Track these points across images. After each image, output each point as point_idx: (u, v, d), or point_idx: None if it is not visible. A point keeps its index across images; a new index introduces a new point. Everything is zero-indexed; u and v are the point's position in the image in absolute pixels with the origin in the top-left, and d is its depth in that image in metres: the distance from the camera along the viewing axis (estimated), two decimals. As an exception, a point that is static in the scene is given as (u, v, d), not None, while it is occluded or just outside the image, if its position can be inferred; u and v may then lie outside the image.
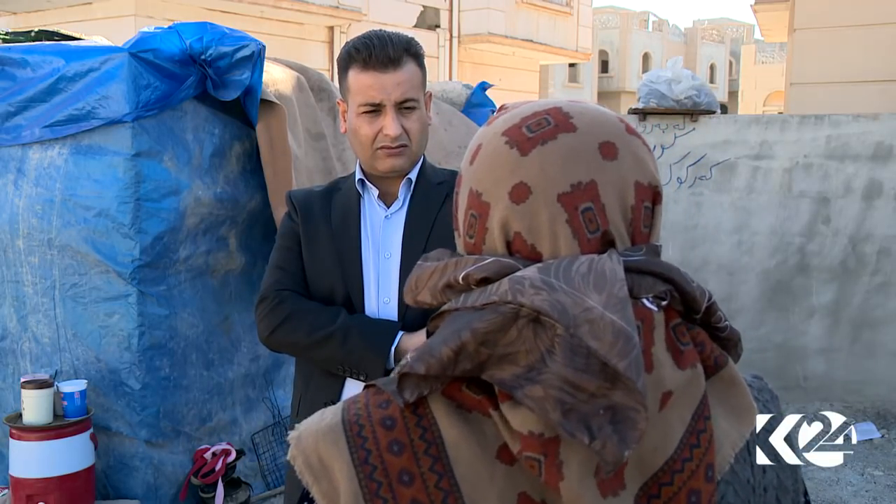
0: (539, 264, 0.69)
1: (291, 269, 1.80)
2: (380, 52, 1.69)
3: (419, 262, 0.78)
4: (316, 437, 0.72)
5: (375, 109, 1.71)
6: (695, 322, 0.73)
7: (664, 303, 0.70)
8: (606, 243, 0.71)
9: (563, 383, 0.63)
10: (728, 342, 0.75)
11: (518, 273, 0.68)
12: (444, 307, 0.72)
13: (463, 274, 0.71)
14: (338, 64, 1.79)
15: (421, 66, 1.77)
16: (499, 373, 0.66)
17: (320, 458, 0.71)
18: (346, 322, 1.71)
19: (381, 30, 1.77)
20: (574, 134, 0.72)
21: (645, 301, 0.69)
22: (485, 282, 0.70)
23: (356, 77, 1.71)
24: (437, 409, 0.70)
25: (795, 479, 0.78)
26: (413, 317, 1.73)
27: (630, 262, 0.69)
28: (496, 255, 0.72)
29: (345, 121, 1.80)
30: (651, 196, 0.74)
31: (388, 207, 1.80)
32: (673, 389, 0.68)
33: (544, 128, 0.73)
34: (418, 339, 1.70)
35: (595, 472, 0.64)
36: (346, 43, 1.77)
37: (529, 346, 0.66)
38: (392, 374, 0.72)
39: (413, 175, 1.79)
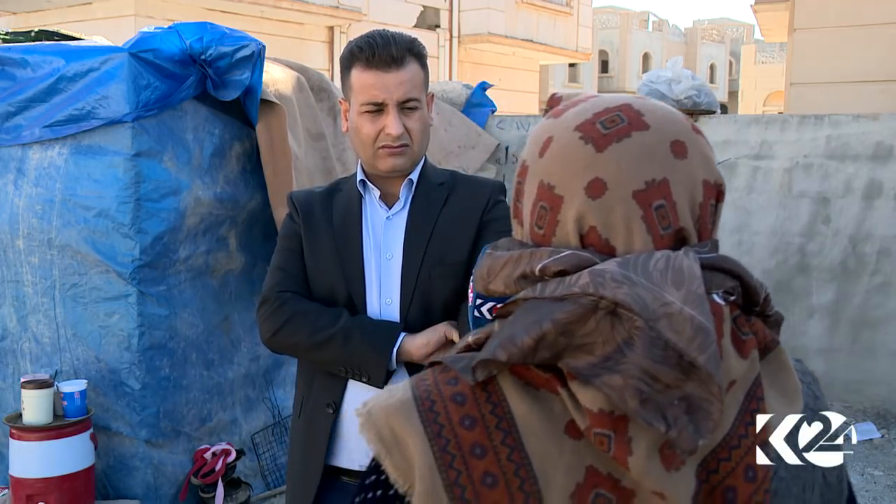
0: (617, 259, 0.71)
1: (293, 270, 1.80)
2: (383, 51, 1.68)
3: (488, 251, 0.80)
4: (387, 411, 0.74)
5: (378, 109, 1.71)
6: (752, 312, 0.76)
7: (732, 298, 0.73)
8: (678, 240, 0.74)
9: (642, 373, 0.66)
10: (776, 326, 0.80)
11: (598, 266, 0.70)
12: (520, 295, 0.74)
13: (540, 266, 0.73)
14: (340, 63, 1.78)
15: (423, 66, 1.77)
16: (573, 361, 0.69)
17: (392, 432, 0.73)
18: (347, 323, 1.71)
19: (384, 29, 1.77)
20: (647, 132, 0.74)
21: (715, 296, 0.72)
22: (561, 274, 0.72)
23: (359, 76, 1.71)
24: (507, 386, 0.73)
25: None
26: (414, 317, 1.73)
27: (703, 259, 0.72)
28: (570, 248, 0.74)
29: (346, 120, 1.80)
30: (715, 194, 0.77)
31: (390, 208, 1.79)
32: (737, 378, 0.71)
33: (618, 125, 0.74)
34: (420, 339, 1.69)
35: (660, 449, 0.67)
36: (349, 42, 1.77)
37: (606, 338, 0.68)
38: (456, 351, 0.76)
39: (414, 176, 1.78)
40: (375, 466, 0.75)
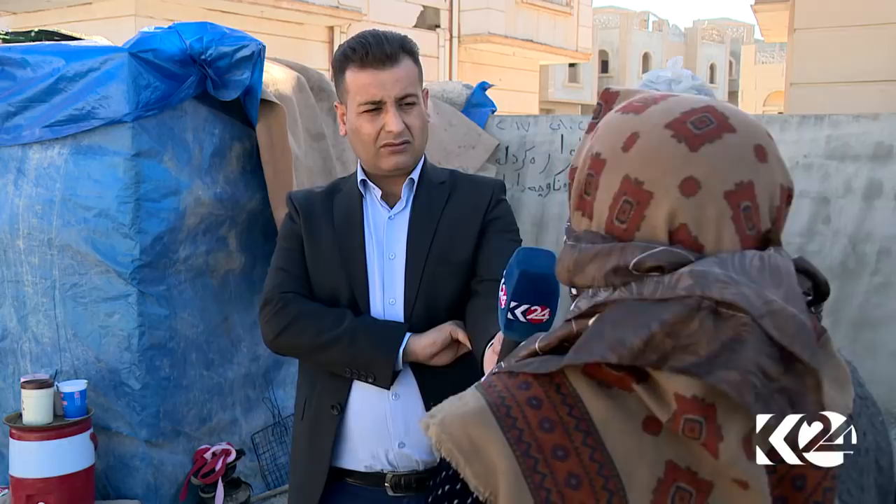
0: (714, 258, 0.73)
1: (295, 270, 1.78)
2: (376, 49, 1.68)
3: (570, 244, 0.81)
4: (463, 420, 0.74)
5: (376, 107, 1.70)
6: (813, 308, 0.79)
7: (809, 298, 0.77)
8: (762, 241, 0.77)
9: (756, 368, 0.68)
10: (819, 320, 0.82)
11: (698, 267, 0.72)
12: (615, 296, 0.75)
13: (635, 260, 0.74)
14: (333, 66, 1.77)
15: (417, 62, 1.76)
16: (678, 363, 0.70)
17: (471, 440, 0.72)
18: (353, 324, 1.70)
19: (373, 29, 1.77)
20: (735, 135, 0.76)
21: None
22: (655, 269, 0.73)
23: (354, 77, 1.70)
24: (580, 386, 0.74)
25: (888, 442, 0.86)
26: (419, 317, 1.72)
27: (793, 261, 0.75)
28: (659, 244, 0.75)
29: (343, 123, 1.79)
30: (788, 199, 0.80)
31: (391, 208, 1.79)
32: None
33: (708, 126, 0.76)
34: (426, 339, 1.69)
35: (743, 438, 0.69)
36: (340, 45, 1.76)
37: (710, 337, 0.69)
38: (517, 359, 0.77)
39: (415, 175, 1.78)
40: (447, 476, 0.75)
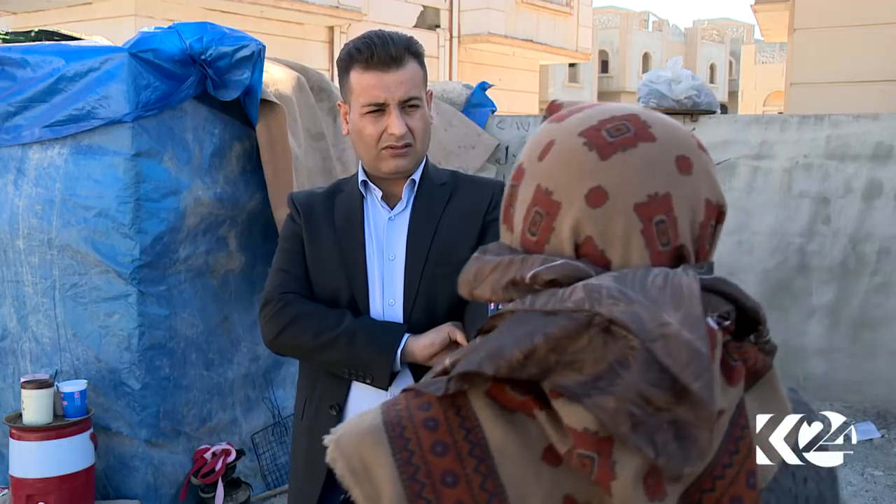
0: (614, 273, 0.68)
1: (295, 271, 1.79)
2: (381, 51, 1.68)
3: (476, 255, 0.77)
4: (357, 438, 0.71)
5: (379, 109, 1.70)
6: (744, 339, 0.73)
7: (727, 323, 0.70)
8: (677, 257, 0.71)
9: (637, 396, 0.63)
10: (770, 354, 0.75)
11: (593, 281, 0.67)
12: (508, 307, 0.71)
13: (531, 273, 0.70)
14: (338, 66, 1.77)
15: (422, 64, 1.76)
16: (562, 379, 0.66)
17: (362, 461, 0.70)
18: (351, 325, 1.70)
19: (380, 30, 1.77)
20: (653, 144, 0.71)
21: (709, 320, 0.68)
22: (553, 284, 0.69)
23: (358, 77, 1.70)
24: (481, 410, 0.70)
25: (835, 494, 0.78)
26: (418, 318, 1.72)
27: (702, 280, 0.69)
28: (564, 257, 0.71)
29: (346, 122, 1.79)
30: (717, 215, 0.74)
31: (392, 209, 1.79)
32: (724, 408, 0.68)
33: (624, 134, 0.72)
34: (425, 340, 1.69)
35: (643, 477, 0.64)
36: (346, 44, 1.76)
37: (598, 356, 0.65)
38: (433, 376, 0.72)
39: (417, 176, 1.78)
40: (346, 499, 0.72)
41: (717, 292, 0.70)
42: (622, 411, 0.63)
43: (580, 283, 0.67)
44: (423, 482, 0.67)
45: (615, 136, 0.72)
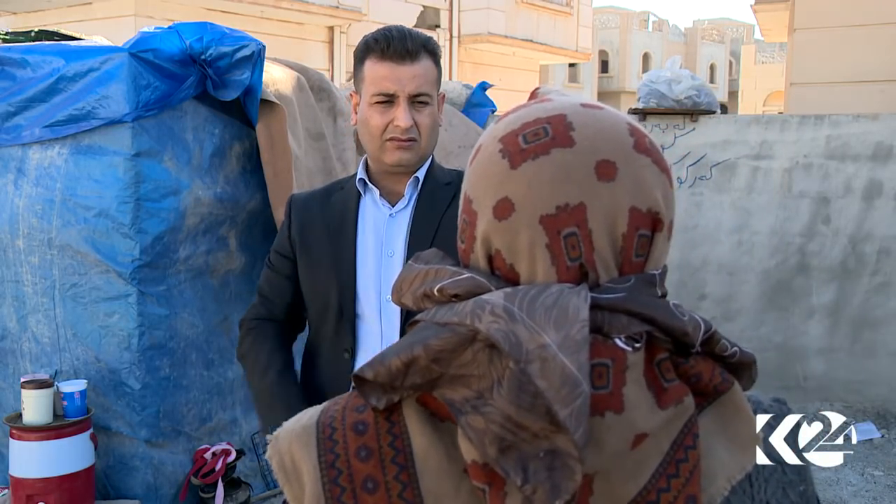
0: (507, 290, 0.65)
1: (272, 294, 1.87)
2: (398, 43, 1.68)
3: (410, 262, 0.75)
4: (290, 437, 0.71)
5: (388, 100, 1.70)
6: (690, 355, 0.68)
7: (637, 345, 0.65)
8: (586, 274, 0.67)
9: (505, 420, 0.61)
10: (741, 367, 0.70)
11: (484, 296, 0.65)
12: (417, 317, 0.70)
13: (438, 287, 0.69)
14: (354, 55, 1.78)
15: (437, 64, 1.76)
16: (450, 393, 0.64)
17: (293, 460, 0.70)
18: (261, 384, 1.82)
19: (401, 25, 1.78)
20: (569, 150, 0.67)
21: (617, 341, 0.64)
22: (458, 298, 0.67)
23: (372, 67, 1.71)
24: (410, 416, 0.68)
25: (806, 493, 0.74)
26: (414, 314, 1.72)
27: (603, 300, 0.64)
28: (475, 271, 0.69)
29: (355, 113, 1.79)
30: (650, 223, 0.68)
31: (393, 206, 1.78)
32: (648, 431, 0.64)
33: (540, 139, 0.68)
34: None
35: None
36: (365, 35, 1.77)
37: (483, 372, 0.63)
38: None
39: (420, 174, 1.78)
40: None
41: (624, 312, 0.65)
42: (489, 433, 0.61)
43: (473, 298, 0.65)
44: (344, 486, 0.67)
45: (529, 143, 0.68)
